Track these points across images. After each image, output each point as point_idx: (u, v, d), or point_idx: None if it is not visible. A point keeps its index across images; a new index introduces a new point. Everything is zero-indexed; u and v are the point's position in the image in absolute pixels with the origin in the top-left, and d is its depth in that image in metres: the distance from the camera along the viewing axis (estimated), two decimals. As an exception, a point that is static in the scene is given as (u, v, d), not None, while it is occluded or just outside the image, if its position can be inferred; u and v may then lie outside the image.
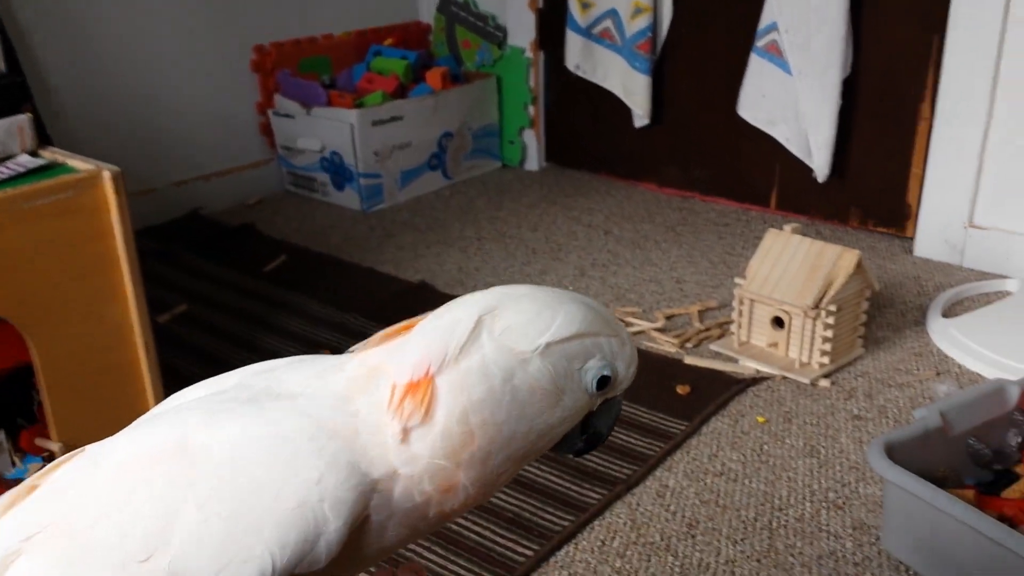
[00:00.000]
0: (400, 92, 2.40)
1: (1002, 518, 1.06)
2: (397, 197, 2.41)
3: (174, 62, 2.24)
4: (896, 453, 1.05)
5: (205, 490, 0.51)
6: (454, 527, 1.16)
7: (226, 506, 0.50)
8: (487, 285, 1.88)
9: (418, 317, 0.58)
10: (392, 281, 1.92)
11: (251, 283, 1.92)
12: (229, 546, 0.50)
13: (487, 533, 1.15)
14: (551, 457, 1.30)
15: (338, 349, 1.62)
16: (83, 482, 0.54)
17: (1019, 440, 1.18)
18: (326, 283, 1.91)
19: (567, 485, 1.24)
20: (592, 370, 0.56)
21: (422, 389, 0.53)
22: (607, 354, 0.57)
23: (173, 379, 1.49)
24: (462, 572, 1.09)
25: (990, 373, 1.46)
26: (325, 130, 2.33)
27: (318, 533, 0.51)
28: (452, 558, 1.11)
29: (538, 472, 1.27)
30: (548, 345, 0.54)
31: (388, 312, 1.76)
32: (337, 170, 2.35)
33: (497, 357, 0.53)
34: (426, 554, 1.12)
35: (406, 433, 0.53)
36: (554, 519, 1.17)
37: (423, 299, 1.83)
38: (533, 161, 2.65)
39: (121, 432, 0.59)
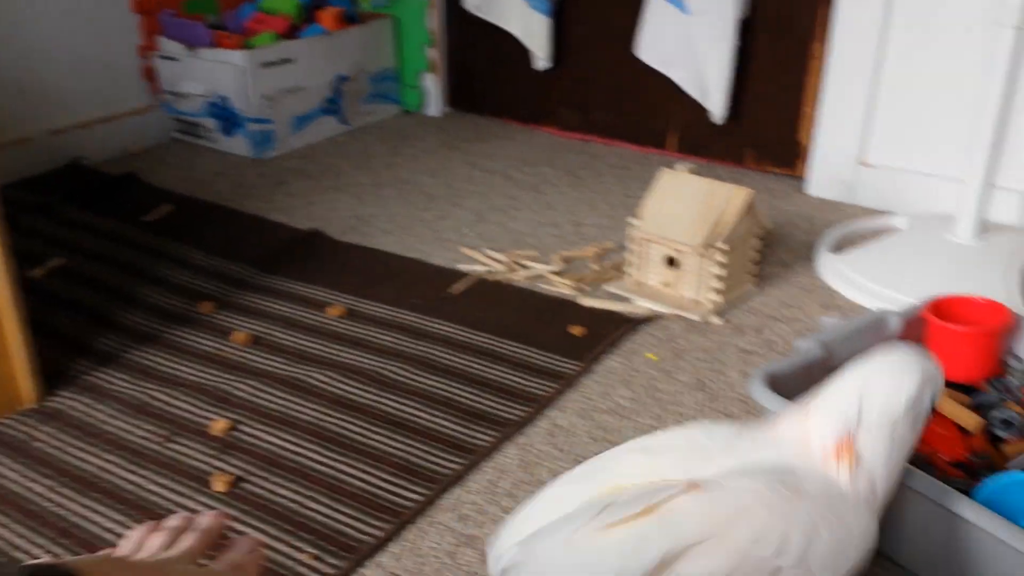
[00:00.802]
0: (291, 33, 2.31)
1: (880, 444, 1.08)
2: (290, 143, 2.33)
3: (47, 1, 2.10)
4: (778, 384, 1.06)
5: (830, 525, 0.78)
6: (339, 474, 1.13)
7: (836, 537, 0.78)
8: (383, 232, 1.84)
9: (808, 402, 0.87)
10: (282, 229, 1.85)
11: (133, 234, 1.83)
12: (836, 559, 0.78)
13: (373, 479, 1.12)
14: (441, 400, 1.28)
15: (223, 300, 1.56)
16: (725, 508, 0.77)
17: (898, 369, 1.20)
18: (213, 232, 1.83)
19: (457, 429, 1.22)
20: (930, 401, 0.85)
21: (847, 447, 0.82)
22: (934, 386, 0.86)
23: (47, 335, 1.41)
24: (346, 519, 1.06)
25: (876, 306, 1.49)
26: (212, 73, 2.22)
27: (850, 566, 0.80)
28: (336, 506, 1.08)
29: (428, 417, 1.24)
30: (908, 404, 0.83)
31: (279, 261, 1.71)
32: (225, 115, 2.25)
33: (881, 421, 0.82)
34: (310, 503, 1.09)
35: (850, 475, 0.82)
36: (443, 462, 1.15)
37: (315, 247, 1.77)
38: (434, 106, 2.59)
39: (715, 486, 0.79)
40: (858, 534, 0.80)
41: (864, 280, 1.55)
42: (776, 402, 1.02)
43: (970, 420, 1.10)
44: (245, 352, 1.41)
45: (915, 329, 1.20)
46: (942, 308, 1.21)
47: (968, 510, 0.88)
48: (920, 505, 0.93)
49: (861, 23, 1.83)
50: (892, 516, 0.96)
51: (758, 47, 2.03)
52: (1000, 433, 1.11)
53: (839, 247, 1.74)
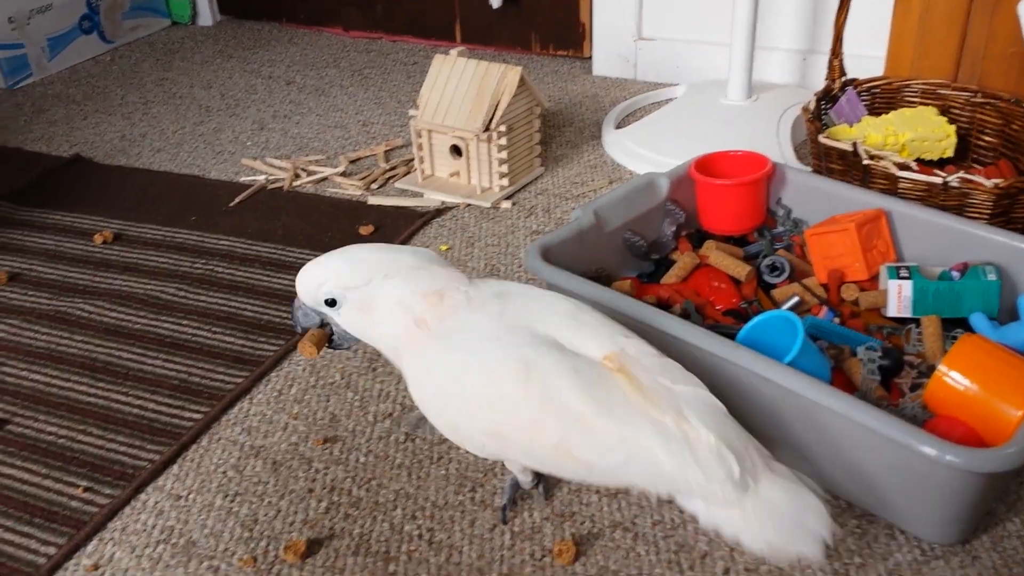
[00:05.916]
0: (30, -55, 2.08)
1: (658, 302, 1.11)
2: (48, 68, 2.12)
3: None
4: (553, 255, 1.06)
5: None
6: (112, 403, 1.06)
7: None
8: (154, 151, 1.72)
9: None
10: (41, 158, 1.70)
11: None
12: None
13: (150, 405, 1.06)
14: (223, 316, 1.22)
15: (-25, 239, 1.43)
16: None
17: (674, 229, 1.24)
18: (-40, 170, 1.66)
19: (242, 343, 1.17)
20: None
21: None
22: None
23: None
24: (121, 448, 1.00)
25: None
26: (-61, -5, 1.99)
27: None
28: (109, 436, 1.02)
29: (209, 335, 1.18)
30: None
31: (39, 192, 1.57)
32: (-37, 41, 2.03)
33: None
34: (81, 437, 1.02)
35: None
36: (226, 378, 1.10)
37: (77, 174, 1.64)
38: (206, 15, 2.43)
39: None
40: None
41: (645, 151, 1.58)
42: (550, 271, 1.03)
43: (739, 269, 1.14)
44: (1, 291, 1.30)
45: (683, 188, 1.23)
46: (708, 165, 1.24)
47: (707, 342, 0.90)
48: (688, 352, 0.95)
49: None
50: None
51: (531, -73, 1.99)
52: (769, 279, 1.17)
53: (624, 122, 1.76)
